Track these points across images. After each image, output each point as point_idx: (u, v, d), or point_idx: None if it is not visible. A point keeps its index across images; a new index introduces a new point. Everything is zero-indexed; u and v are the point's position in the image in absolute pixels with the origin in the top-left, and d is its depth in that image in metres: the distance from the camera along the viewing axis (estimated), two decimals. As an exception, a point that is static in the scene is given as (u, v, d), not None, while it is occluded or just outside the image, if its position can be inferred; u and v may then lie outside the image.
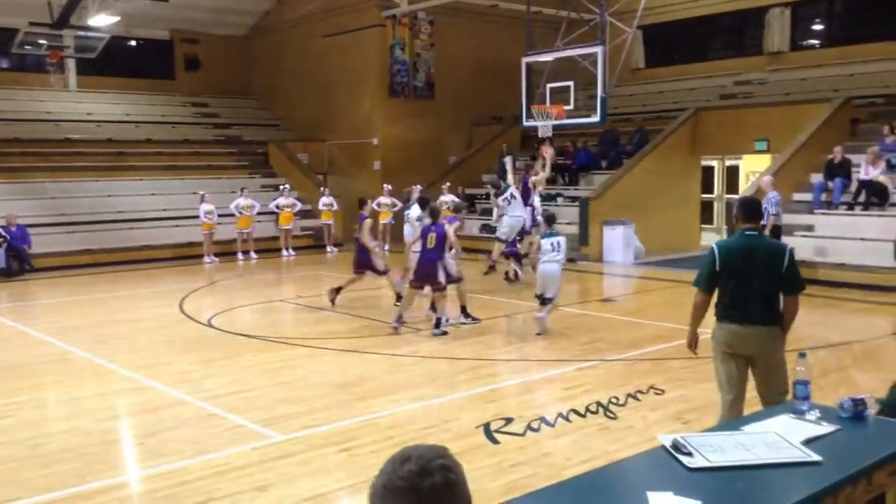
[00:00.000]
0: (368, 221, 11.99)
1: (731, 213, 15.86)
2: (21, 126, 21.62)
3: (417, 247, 11.11)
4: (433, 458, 1.78)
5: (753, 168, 21.51)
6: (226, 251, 19.50)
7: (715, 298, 5.43)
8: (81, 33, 19.17)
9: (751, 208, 5.42)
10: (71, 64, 23.40)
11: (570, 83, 16.55)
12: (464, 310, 11.14)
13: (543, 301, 10.41)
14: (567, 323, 11.16)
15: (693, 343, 5.65)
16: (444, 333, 10.33)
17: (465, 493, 1.81)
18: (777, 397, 5.17)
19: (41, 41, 19.61)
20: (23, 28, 18.48)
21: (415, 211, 14.23)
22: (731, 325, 5.28)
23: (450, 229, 10.71)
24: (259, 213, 19.82)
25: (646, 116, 21.57)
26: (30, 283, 16.43)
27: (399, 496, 1.74)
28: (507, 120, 23.58)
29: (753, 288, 5.22)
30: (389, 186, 20.94)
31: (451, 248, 10.73)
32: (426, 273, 10.45)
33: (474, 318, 11.09)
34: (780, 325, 5.31)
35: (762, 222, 12.90)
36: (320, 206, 20.98)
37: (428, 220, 10.79)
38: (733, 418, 5.17)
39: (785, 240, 14.63)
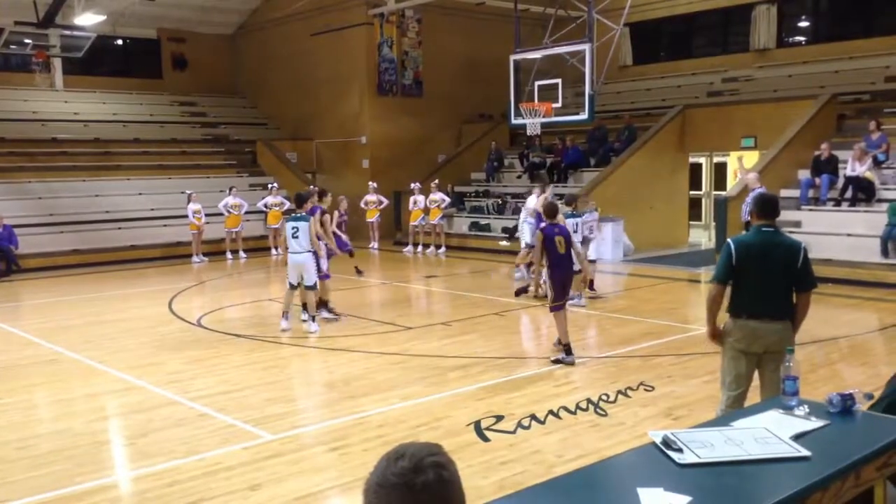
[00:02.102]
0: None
1: (720, 209, 15.94)
2: (7, 126, 21.47)
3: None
4: (427, 456, 1.79)
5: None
6: (214, 250, 19.45)
7: (728, 296, 5.42)
8: (67, 32, 19.09)
9: (768, 205, 5.41)
10: (57, 63, 23.27)
11: (558, 81, 16.58)
12: (325, 304, 11.25)
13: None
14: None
15: (716, 334, 5.52)
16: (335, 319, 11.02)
17: (458, 490, 1.82)
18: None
19: (27, 40, 19.52)
20: (8, 27, 18.38)
21: (531, 203, 14.06)
22: (748, 322, 5.28)
23: (315, 222, 10.63)
24: (247, 213, 19.77)
25: (634, 114, 21.60)
26: (17, 283, 16.34)
27: (392, 493, 1.75)
28: (495, 117, 23.61)
29: (770, 284, 5.25)
30: (375, 184, 20.95)
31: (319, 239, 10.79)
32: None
33: (336, 315, 11.26)
34: (791, 320, 5.33)
35: (744, 217, 13.03)
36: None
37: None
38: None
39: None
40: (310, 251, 10.51)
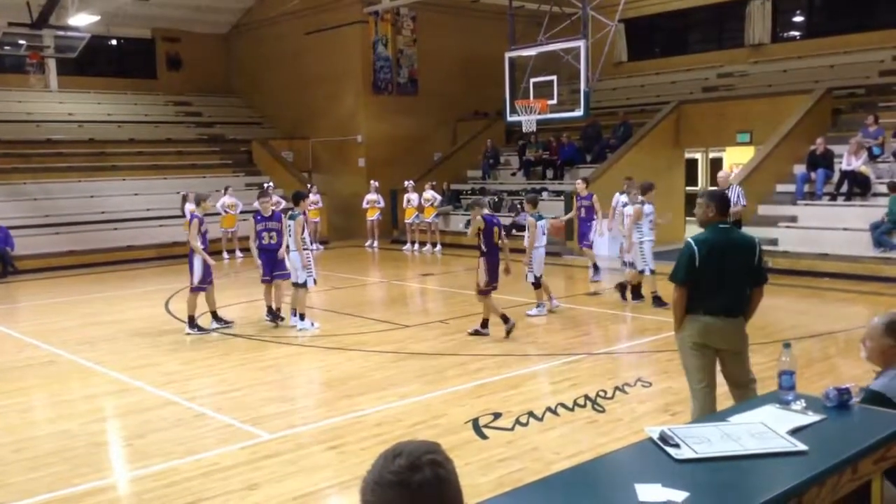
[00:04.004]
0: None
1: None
2: (2, 127, 21.42)
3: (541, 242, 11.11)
4: (424, 454, 1.79)
5: (736, 160, 21.61)
6: (210, 250, 19.37)
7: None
8: (61, 33, 19.02)
9: (724, 202, 5.45)
10: (51, 64, 23.18)
11: (554, 77, 16.57)
12: (215, 314, 10.94)
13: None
14: (553, 317, 11.18)
15: None
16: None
17: (455, 488, 1.81)
18: (751, 384, 5.38)
19: (21, 41, 19.45)
20: (2, 29, 18.32)
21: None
22: (704, 318, 5.26)
23: (192, 228, 10.50)
24: (244, 212, 19.72)
25: (629, 110, 21.61)
26: (13, 285, 16.31)
27: (389, 491, 1.75)
28: (491, 115, 23.59)
29: (729, 281, 5.25)
30: (377, 183, 20.93)
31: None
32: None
33: (226, 322, 10.94)
34: (745, 315, 5.37)
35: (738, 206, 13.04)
36: (308, 205, 20.90)
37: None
38: (708, 407, 5.30)
39: (769, 231, 14.76)
40: (294, 249, 10.62)
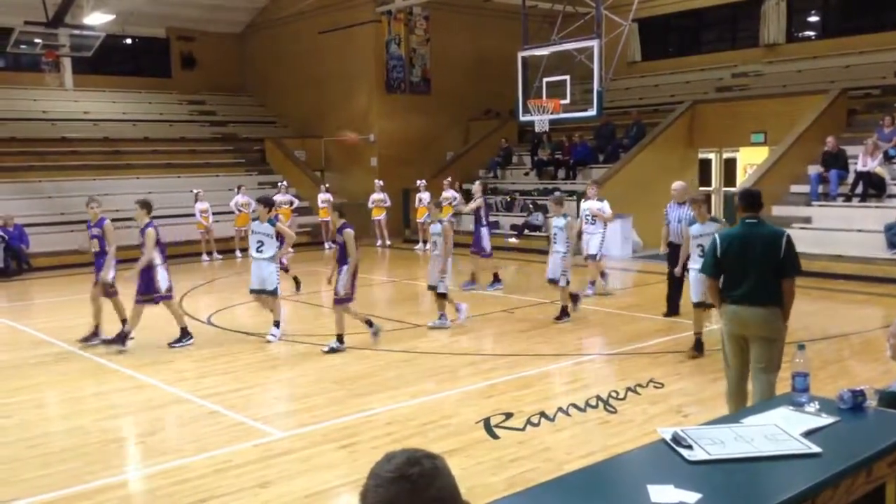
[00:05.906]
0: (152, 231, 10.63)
1: (729, 205, 15.88)
2: (17, 125, 21.58)
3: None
4: (417, 452, 1.85)
5: (751, 160, 21.49)
6: (224, 249, 19.47)
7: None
8: (77, 32, 19.11)
9: (751, 198, 5.81)
10: (67, 63, 23.34)
11: (567, 77, 16.50)
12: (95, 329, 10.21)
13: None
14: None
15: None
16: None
17: (452, 478, 1.85)
18: (766, 372, 5.66)
19: (36, 40, 19.53)
20: (18, 27, 18.42)
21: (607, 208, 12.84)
22: (731, 306, 5.73)
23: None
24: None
25: (642, 110, 21.54)
26: (28, 282, 16.41)
27: (390, 487, 1.78)
28: (503, 114, 23.57)
29: (750, 271, 5.62)
30: (381, 182, 20.96)
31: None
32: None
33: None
34: (779, 306, 5.66)
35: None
36: (319, 204, 20.97)
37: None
38: (734, 390, 5.86)
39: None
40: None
